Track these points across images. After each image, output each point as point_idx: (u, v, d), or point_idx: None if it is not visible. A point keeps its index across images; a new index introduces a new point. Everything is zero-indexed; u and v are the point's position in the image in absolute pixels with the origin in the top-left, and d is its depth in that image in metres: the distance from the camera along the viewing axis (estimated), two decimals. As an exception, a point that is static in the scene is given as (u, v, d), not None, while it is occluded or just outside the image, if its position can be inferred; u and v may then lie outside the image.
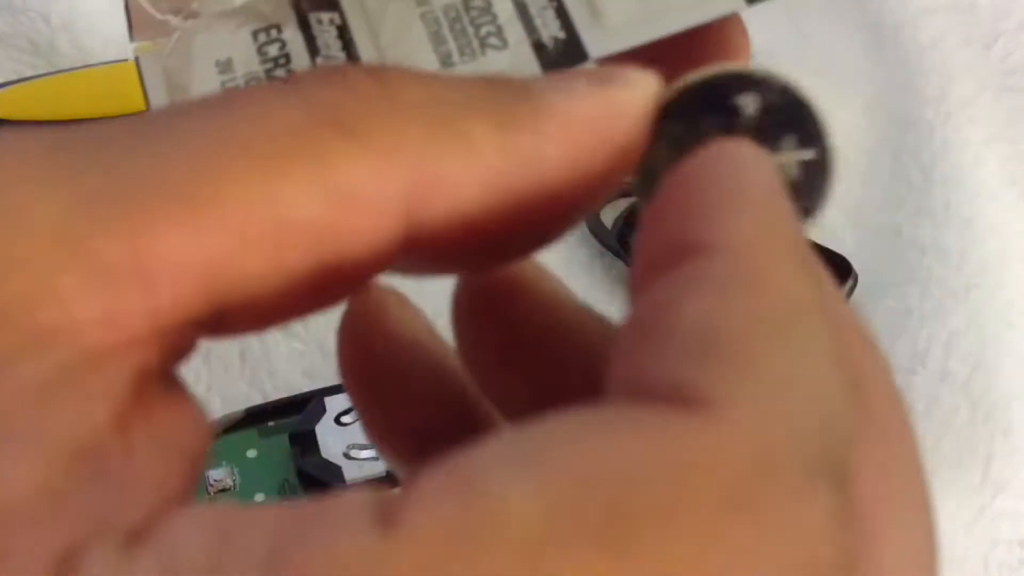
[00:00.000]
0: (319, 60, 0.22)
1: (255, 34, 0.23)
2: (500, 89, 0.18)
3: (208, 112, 0.17)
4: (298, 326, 0.48)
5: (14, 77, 0.51)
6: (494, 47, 0.22)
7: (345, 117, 0.17)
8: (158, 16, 0.23)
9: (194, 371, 0.46)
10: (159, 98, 0.22)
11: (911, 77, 0.55)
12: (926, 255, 0.51)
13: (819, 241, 0.48)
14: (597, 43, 0.22)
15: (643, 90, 0.19)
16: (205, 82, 0.22)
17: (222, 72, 0.22)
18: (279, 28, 0.23)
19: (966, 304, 0.49)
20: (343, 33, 0.23)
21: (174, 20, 0.23)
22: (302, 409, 0.45)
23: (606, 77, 0.19)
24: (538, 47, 0.22)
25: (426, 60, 0.22)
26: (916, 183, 0.52)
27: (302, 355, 0.47)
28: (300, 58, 0.23)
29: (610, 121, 0.19)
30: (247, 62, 0.23)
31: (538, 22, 0.22)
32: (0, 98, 0.47)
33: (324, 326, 0.47)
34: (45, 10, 0.54)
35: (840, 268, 0.48)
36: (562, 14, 0.22)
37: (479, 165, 0.18)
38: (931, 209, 0.52)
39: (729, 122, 0.19)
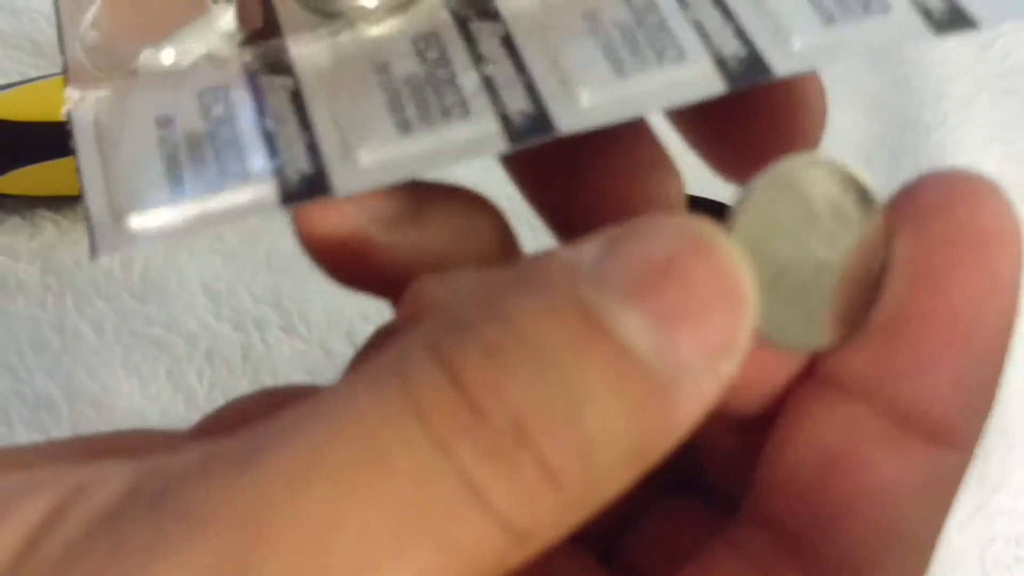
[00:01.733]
0: (268, 122, 0.21)
1: (200, 94, 0.22)
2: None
3: None
4: (300, 325, 0.48)
5: (17, 78, 0.51)
6: (457, 117, 0.21)
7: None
8: (96, 72, 0.22)
9: (196, 369, 0.46)
10: (89, 152, 0.21)
11: (909, 77, 0.54)
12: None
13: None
14: (568, 119, 0.20)
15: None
16: (142, 136, 0.21)
17: (161, 127, 0.21)
18: (227, 89, 0.22)
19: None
20: (296, 98, 0.21)
21: (116, 76, 0.22)
22: (304, 408, 0.46)
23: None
24: (504, 119, 0.21)
25: (381, 125, 0.21)
26: None
27: (304, 354, 0.47)
28: (246, 119, 0.21)
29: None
30: (189, 120, 0.21)
31: (504, 95, 0.21)
32: (3, 99, 0.48)
33: (326, 326, 0.48)
34: (47, 10, 0.55)
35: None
36: (531, 89, 0.21)
37: None
38: None
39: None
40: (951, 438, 0.18)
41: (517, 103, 0.21)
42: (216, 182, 0.20)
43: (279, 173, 0.20)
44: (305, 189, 0.20)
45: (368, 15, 0.23)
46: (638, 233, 0.17)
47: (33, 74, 0.50)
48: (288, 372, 0.47)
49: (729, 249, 0.17)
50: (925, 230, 0.18)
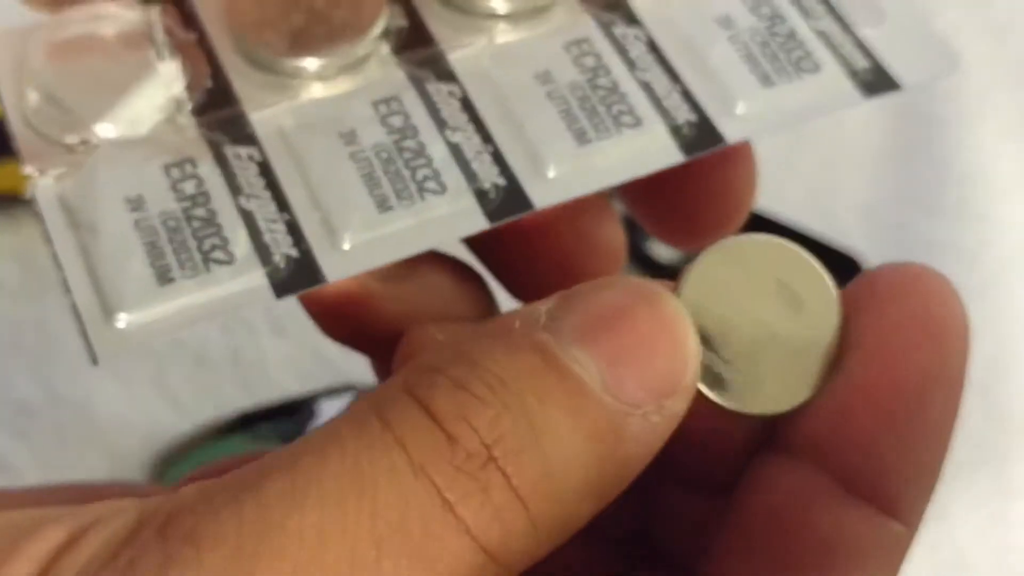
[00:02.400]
0: (241, 200, 0.21)
1: (167, 169, 0.21)
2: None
3: None
4: (291, 327, 0.47)
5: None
6: (433, 191, 0.21)
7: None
8: (48, 143, 0.22)
9: (186, 374, 0.46)
10: (61, 235, 0.21)
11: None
12: (940, 253, 0.50)
13: (829, 239, 0.48)
14: (541, 194, 0.21)
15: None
16: (115, 221, 0.21)
17: (134, 210, 0.21)
18: (193, 163, 0.21)
19: (981, 304, 0.49)
20: (266, 171, 0.21)
21: (69, 145, 0.22)
22: (295, 413, 0.45)
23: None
24: (480, 194, 0.21)
25: (360, 203, 0.21)
26: (929, 180, 0.51)
27: (295, 358, 0.47)
28: (220, 197, 0.21)
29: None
30: (161, 200, 0.21)
31: (475, 166, 0.21)
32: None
33: (318, 329, 0.47)
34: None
35: (849, 266, 0.48)
36: (499, 160, 0.21)
37: None
38: (944, 206, 0.51)
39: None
40: (895, 509, 0.20)
41: (489, 176, 0.21)
42: (203, 271, 0.20)
43: (266, 259, 0.20)
44: (295, 276, 0.20)
45: (319, 75, 0.23)
46: (589, 289, 0.19)
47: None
48: (278, 377, 0.47)
49: (672, 302, 0.19)
50: (881, 314, 0.20)
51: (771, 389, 0.20)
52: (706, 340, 0.20)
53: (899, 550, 0.20)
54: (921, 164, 0.52)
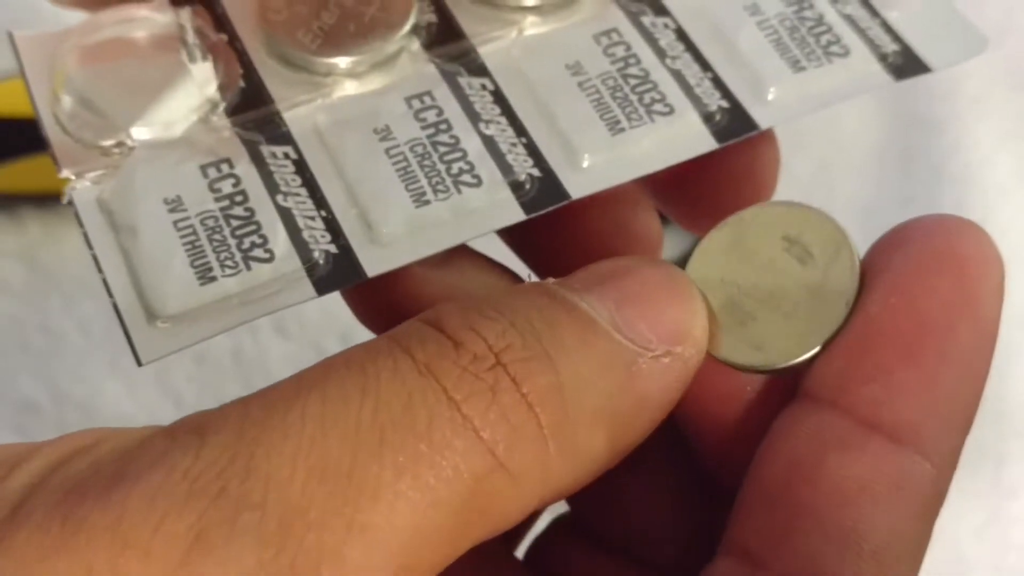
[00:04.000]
0: (279, 198, 0.21)
1: (203, 169, 0.21)
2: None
3: None
4: (292, 326, 0.48)
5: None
6: (469, 184, 0.21)
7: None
8: (83, 147, 0.22)
9: (186, 372, 0.46)
10: (101, 238, 0.21)
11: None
12: (936, 255, 0.51)
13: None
14: (576, 184, 0.21)
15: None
16: (155, 222, 0.21)
17: (173, 211, 0.21)
18: (230, 163, 0.22)
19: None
20: (302, 169, 0.22)
21: (104, 147, 0.22)
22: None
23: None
24: (516, 186, 0.21)
25: (397, 198, 0.21)
26: (926, 182, 0.51)
27: (296, 356, 0.47)
28: (258, 196, 0.21)
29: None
30: (199, 200, 0.21)
31: (510, 158, 0.22)
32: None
33: (318, 326, 0.47)
34: (28, 2, 0.54)
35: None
36: (533, 151, 0.22)
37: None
38: (942, 208, 0.50)
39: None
40: (919, 445, 0.19)
41: (524, 168, 0.22)
42: (243, 268, 0.20)
43: (305, 255, 0.21)
44: (335, 272, 0.21)
45: (351, 72, 0.23)
46: (596, 262, 0.20)
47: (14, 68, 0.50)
48: (280, 374, 0.47)
49: (676, 269, 0.20)
50: (902, 253, 0.20)
51: (784, 343, 0.20)
52: (719, 312, 0.20)
53: (928, 490, 0.19)
54: (918, 165, 0.52)
